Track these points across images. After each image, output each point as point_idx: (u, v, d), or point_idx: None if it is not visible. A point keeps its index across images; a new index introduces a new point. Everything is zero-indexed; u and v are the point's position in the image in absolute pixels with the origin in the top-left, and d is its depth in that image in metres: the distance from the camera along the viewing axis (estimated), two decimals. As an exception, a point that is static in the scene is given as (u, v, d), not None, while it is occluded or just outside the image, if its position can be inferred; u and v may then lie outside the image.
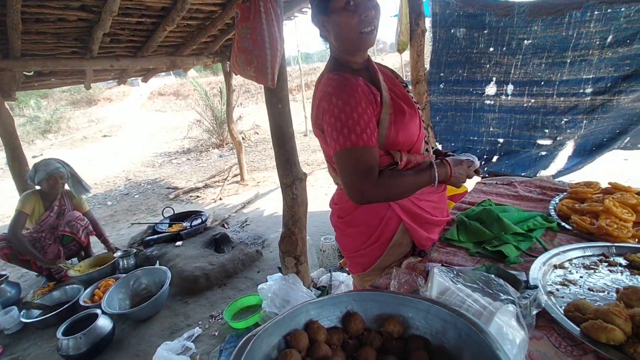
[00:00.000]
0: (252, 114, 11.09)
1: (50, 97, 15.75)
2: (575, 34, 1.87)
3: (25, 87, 4.22)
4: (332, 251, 2.90)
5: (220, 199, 5.27)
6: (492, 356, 0.56)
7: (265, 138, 9.18)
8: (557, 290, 0.91)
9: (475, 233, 1.21)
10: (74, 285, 2.79)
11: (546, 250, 1.07)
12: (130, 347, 2.26)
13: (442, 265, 0.99)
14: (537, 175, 2.26)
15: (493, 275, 0.84)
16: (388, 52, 18.16)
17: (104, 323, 2.22)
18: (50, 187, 3.00)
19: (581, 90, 1.98)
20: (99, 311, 2.25)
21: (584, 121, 2.02)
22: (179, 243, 3.28)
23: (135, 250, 3.18)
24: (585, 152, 2.15)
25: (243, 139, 8.65)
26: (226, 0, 3.11)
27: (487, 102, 2.31)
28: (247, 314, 2.33)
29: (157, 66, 4.36)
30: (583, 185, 1.43)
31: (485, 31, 2.14)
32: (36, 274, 3.32)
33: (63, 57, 3.38)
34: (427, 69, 2.47)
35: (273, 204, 4.65)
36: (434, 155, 1.20)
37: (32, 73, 3.65)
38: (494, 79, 2.24)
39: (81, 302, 2.53)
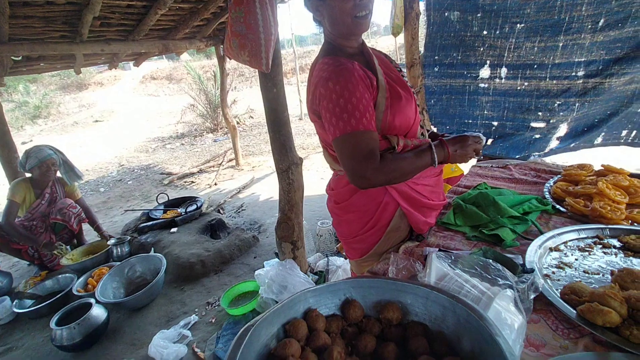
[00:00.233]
0: (246, 97, 10.90)
1: (40, 81, 15.31)
2: (567, 18, 1.88)
3: (14, 72, 4.08)
4: (328, 236, 2.91)
5: (216, 184, 5.23)
6: (491, 342, 0.57)
7: (260, 122, 9.07)
8: (553, 273, 0.92)
9: (471, 217, 1.22)
10: (67, 274, 2.76)
11: (542, 233, 1.08)
12: (126, 336, 2.26)
13: (440, 249, 0.99)
14: (531, 157, 2.28)
15: (491, 260, 0.84)
16: (382, 34, 17.85)
17: (98, 312, 2.20)
18: (42, 174, 2.94)
19: (573, 74, 2.00)
20: (92, 300, 2.23)
21: (577, 104, 2.05)
22: (174, 230, 3.26)
23: (129, 238, 3.15)
24: (577, 133, 2.17)
25: (238, 123, 8.55)
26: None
27: (481, 85, 2.31)
28: (244, 301, 2.34)
29: (149, 50, 4.24)
30: (577, 168, 1.44)
31: (479, 14, 2.14)
32: (28, 263, 3.29)
33: (52, 42, 3.26)
34: (422, 52, 2.44)
35: (269, 189, 4.62)
36: (430, 139, 1.19)
37: (20, 58, 3.54)
38: (488, 62, 2.24)
39: (74, 292, 2.52)
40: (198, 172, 5.92)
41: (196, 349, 2.01)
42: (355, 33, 1.03)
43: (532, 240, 1.02)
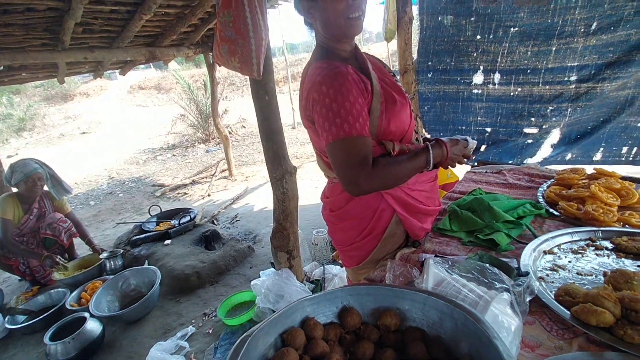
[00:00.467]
0: (238, 107, 10.88)
1: (23, 92, 15.03)
2: (560, 21, 1.89)
3: (-5, 83, 4.01)
4: (324, 244, 2.90)
5: (209, 195, 5.19)
6: (489, 345, 0.57)
7: (253, 132, 9.05)
8: (547, 275, 0.93)
9: (467, 222, 1.22)
10: (59, 289, 2.71)
11: (536, 236, 1.09)
12: (122, 349, 2.22)
13: (436, 255, 1.00)
14: (524, 163, 2.30)
15: (487, 264, 0.85)
16: (374, 41, 18.06)
17: (92, 326, 2.17)
18: (28, 189, 2.89)
19: (566, 78, 2.01)
20: (87, 314, 2.20)
21: (569, 109, 2.06)
22: (167, 242, 3.22)
23: (122, 251, 3.11)
24: (571, 141, 2.19)
25: (230, 133, 8.52)
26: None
27: (475, 91, 2.33)
28: (241, 311, 2.32)
29: (134, 58, 4.13)
30: (569, 172, 1.46)
31: (472, 18, 2.14)
32: (19, 278, 3.22)
33: (33, 50, 3.18)
34: (415, 57, 2.46)
35: (263, 199, 4.61)
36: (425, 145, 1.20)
37: (1, 68, 3.46)
38: (481, 67, 2.25)
39: (67, 306, 2.47)
40: (191, 183, 5.87)
41: (193, 361, 1.98)
42: (348, 35, 1.02)
43: (527, 244, 1.03)
